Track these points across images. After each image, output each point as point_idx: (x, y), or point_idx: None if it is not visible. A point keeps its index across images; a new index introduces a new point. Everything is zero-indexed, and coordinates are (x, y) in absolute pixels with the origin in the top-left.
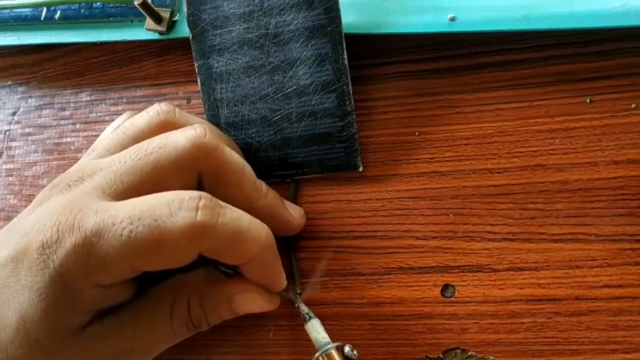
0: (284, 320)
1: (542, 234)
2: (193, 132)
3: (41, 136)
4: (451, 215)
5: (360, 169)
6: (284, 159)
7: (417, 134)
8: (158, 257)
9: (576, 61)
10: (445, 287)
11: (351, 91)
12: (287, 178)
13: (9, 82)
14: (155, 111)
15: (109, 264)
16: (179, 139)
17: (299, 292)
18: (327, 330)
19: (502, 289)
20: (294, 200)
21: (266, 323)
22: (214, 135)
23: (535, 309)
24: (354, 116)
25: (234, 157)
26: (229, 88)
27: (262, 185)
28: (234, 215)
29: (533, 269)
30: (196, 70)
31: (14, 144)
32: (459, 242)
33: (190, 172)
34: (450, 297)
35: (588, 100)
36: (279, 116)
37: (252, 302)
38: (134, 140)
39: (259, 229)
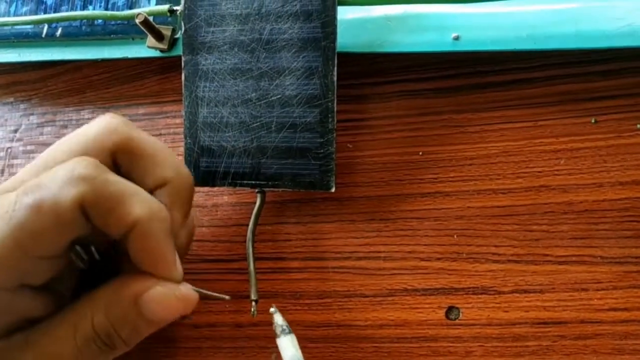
0: None
1: (547, 255)
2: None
3: None
4: (455, 236)
5: (333, 189)
6: (256, 167)
7: (420, 153)
8: (41, 220)
9: (581, 81)
10: (450, 310)
11: (335, 109)
12: (256, 188)
13: (11, 99)
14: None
15: None
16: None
17: (255, 298)
18: (330, 352)
19: (507, 311)
20: (259, 212)
21: (268, 345)
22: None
23: (541, 332)
24: (334, 135)
25: (147, 135)
26: (213, 87)
27: (184, 167)
28: (118, 179)
29: (538, 291)
30: (182, 64)
31: (15, 161)
32: (463, 264)
33: (100, 151)
34: (455, 319)
35: (593, 121)
36: (258, 123)
37: (162, 301)
38: None
39: (148, 197)
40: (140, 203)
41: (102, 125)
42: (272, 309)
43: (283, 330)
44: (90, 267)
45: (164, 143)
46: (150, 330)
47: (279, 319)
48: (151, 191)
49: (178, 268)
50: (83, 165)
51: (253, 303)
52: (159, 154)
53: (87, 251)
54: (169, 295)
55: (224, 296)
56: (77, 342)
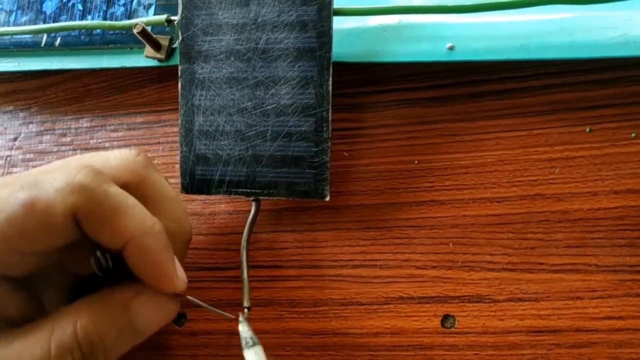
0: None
1: (542, 264)
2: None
3: (42, 162)
4: (450, 244)
5: (327, 198)
6: (251, 176)
7: (416, 162)
8: (31, 219)
9: (576, 90)
10: (445, 318)
11: (330, 118)
12: (250, 196)
13: (11, 108)
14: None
15: None
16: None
17: (247, 305)
18: None
19: (502, 319)
20: (253, 220)
21: None
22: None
23: (536, 340)
24: (329, 144)
25: (164, 181)
26: (209, 96)
27: (188, 222)
28: (118, 191)
29: (533, 299)
30: (179, 73)
31: (14, 169)
32: (459, 272)
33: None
34: (450, 327)
35: (588, 130)
36: (253, 132)
37: (151, 308)
38: None
39: (145, 212)
40: (134, 218)
41: (124, 159)
42: (240, 318)
43: (247, 343)
44: (104, 274)
45: (177, 193)
46: (134, 341)
47: (243, 330)
48: None
49: (180, 278)
50: (84, 173)
51: (245, 310)
52: (167, 204)
53: (105, 258)
54: (158, 300)
55: (229, 315)
56: (52, 348)
